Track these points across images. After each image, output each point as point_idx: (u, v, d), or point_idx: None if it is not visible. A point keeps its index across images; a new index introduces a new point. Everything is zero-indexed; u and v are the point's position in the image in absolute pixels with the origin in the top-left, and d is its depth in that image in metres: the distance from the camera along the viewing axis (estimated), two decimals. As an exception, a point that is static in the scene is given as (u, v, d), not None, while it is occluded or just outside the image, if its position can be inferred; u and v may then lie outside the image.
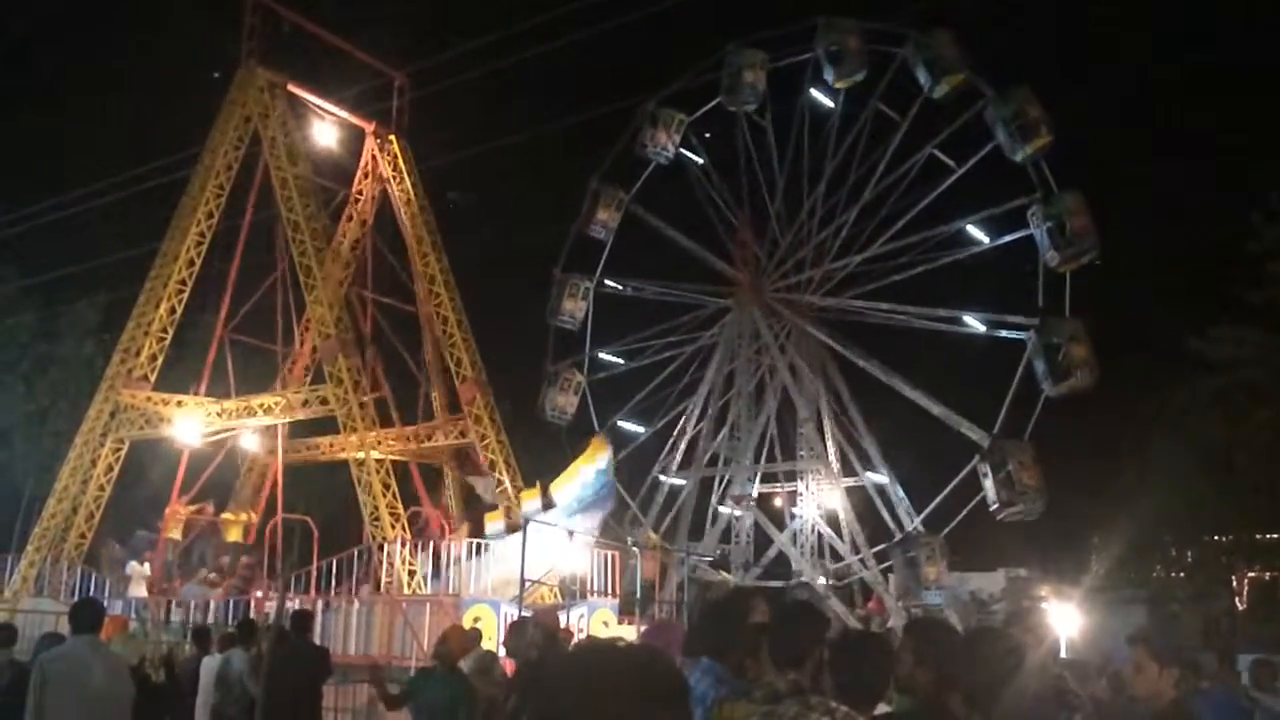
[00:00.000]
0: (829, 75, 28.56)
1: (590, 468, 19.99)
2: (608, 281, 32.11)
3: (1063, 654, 15.01)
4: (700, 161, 31.92)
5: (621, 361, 32.77)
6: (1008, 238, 27.40)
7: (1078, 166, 26.29)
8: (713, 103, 30.91)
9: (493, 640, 12.89)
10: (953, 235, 28.45)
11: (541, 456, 26.87)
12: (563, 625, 12.96)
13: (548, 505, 19.67)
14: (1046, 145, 26.07)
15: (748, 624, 4.29)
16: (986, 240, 28.05)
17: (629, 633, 17.46)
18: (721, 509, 30.88)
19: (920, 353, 30.77)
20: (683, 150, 31.53)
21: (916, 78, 27.61)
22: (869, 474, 29.34)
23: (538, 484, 20.61)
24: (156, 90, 43.82)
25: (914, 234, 28.51)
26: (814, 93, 30.29)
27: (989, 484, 25.21)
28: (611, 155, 31.24)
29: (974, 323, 27.76)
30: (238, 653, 10.80)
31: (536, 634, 8.29)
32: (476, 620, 14.22)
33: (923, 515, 27.38)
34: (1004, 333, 26.86)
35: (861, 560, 29.18)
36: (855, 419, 29.91)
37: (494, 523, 20.07)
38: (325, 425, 23.51)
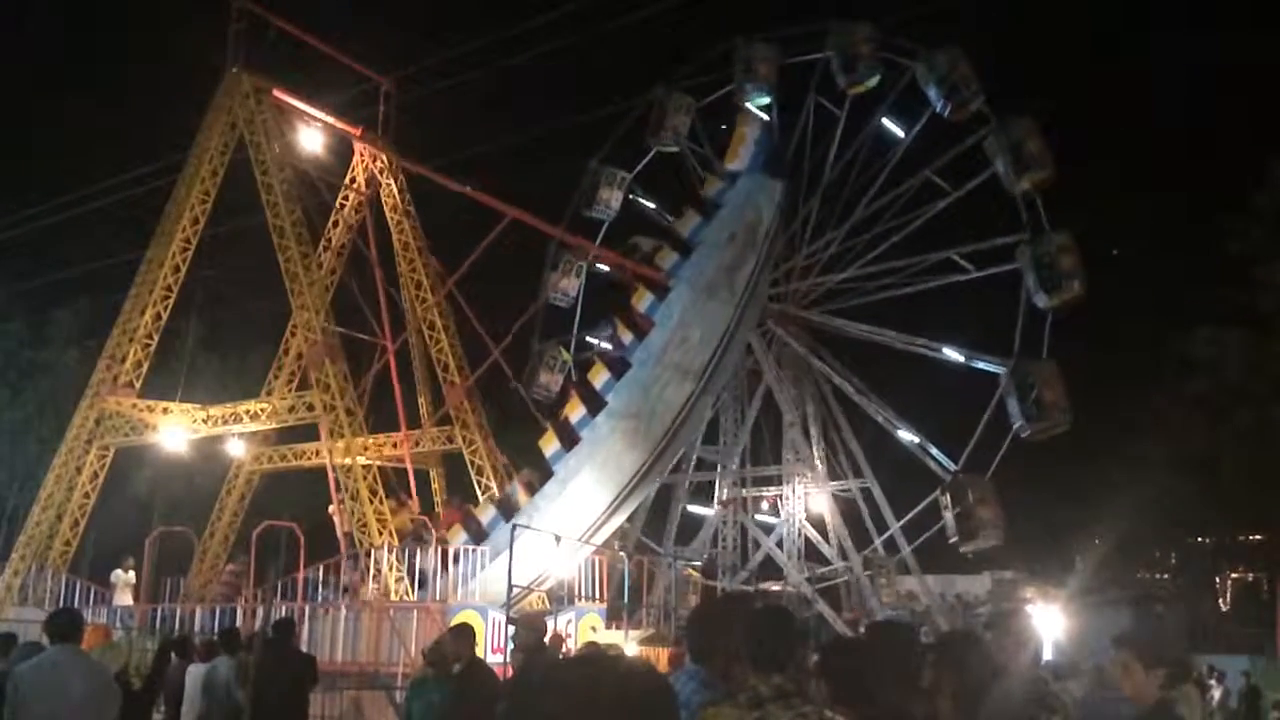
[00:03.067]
0: (840, 80, 27.60)
1: (750, 130, 20.30)
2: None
3: (1048, 656, 15.08)
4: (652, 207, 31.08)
5: (609, 346, 31.96)
6: (994, 270, 27.34)
7: (1063, 167, 26.14)
8: (721, 91, 29.31)
9: (480, 647, 12.87)
10: (940, 261, 28.43)
11: (529, 461, 26.83)
12: (550, 630, 12.94)
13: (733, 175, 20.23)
14: (1045, 181, 25.86)
15: (732, 628, 4.32)
16: (973, 269, 28.02)
17: (617, 637, 17.50)
18: (708, 512, 30.87)
19: (902, 364, 30.69)
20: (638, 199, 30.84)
21: (927, 95, 26.98)
22: (901, 431, 28.68)
23: (706, 178, 20.82)
24: (142, 97, 43.72)
25: (901, 258, 28.47)
26: (821, 99, 29.24)
27: (948, 515, 25.58)
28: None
29: (951, 352, 27.79)
30: (224, 660, 10.77)
31: (531, 637, 8.28)
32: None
33: (960, 462, 26.60)
34: (980, 364, 26.74)
35: (848, 566, 29.26)
36: (841, 423, 30.02)
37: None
38: (309, 431, 23.47)
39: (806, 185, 29.90)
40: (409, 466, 23.16)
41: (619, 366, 19.97)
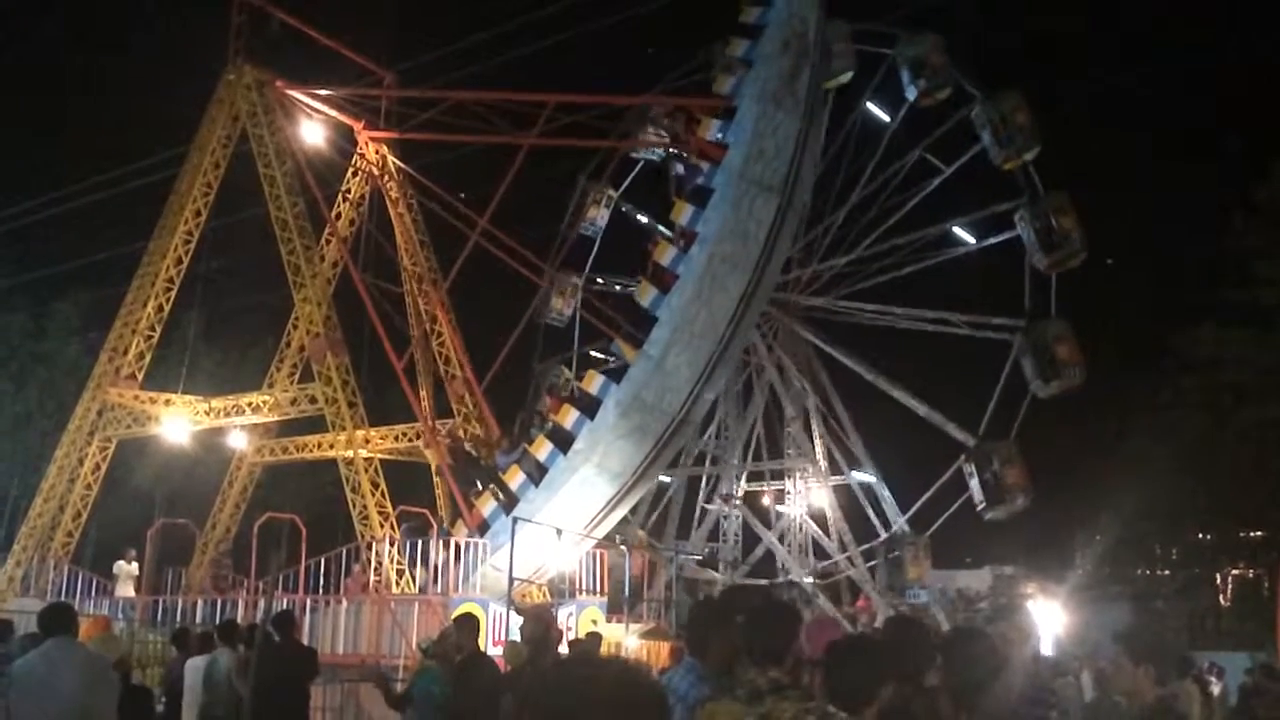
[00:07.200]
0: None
1: None
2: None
3: (1047, 651, 15.12)
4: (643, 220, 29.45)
5: (618, 288, 30.11)
6: (995, 239, 27.36)
7: (1063, 165, 26.15)
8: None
9: (482, 639, 12.90)
10: (940, 236, 28.29)
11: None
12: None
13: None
14: (1032, 153, 25.74)
15: (731, 623, 4.32)
16: (973, 241, 27.98)
17: (617, 631, 17.55)
18: (709, 507, 30.86)
19: (908, 352, 30.80)
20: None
21: (901, 81, 26.86)
22: (855, 473, 29.32)
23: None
24: (144, 89, 43.69)
25: (902, 235, 28.35)
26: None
27: (974, 484, 25.41)
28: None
29: (959, 322, 27.66)
30: (224, 653, 10.79)
31: (537, 629, 8.31)
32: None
33: (908, 515, 27.42)
34: (990, 334, 26.76)
35: (849, 558, 29.27)
36: (842, 418, 29.98)
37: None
38: (310, 424, 23.49)
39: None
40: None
41: (702, 194, 19.69)
